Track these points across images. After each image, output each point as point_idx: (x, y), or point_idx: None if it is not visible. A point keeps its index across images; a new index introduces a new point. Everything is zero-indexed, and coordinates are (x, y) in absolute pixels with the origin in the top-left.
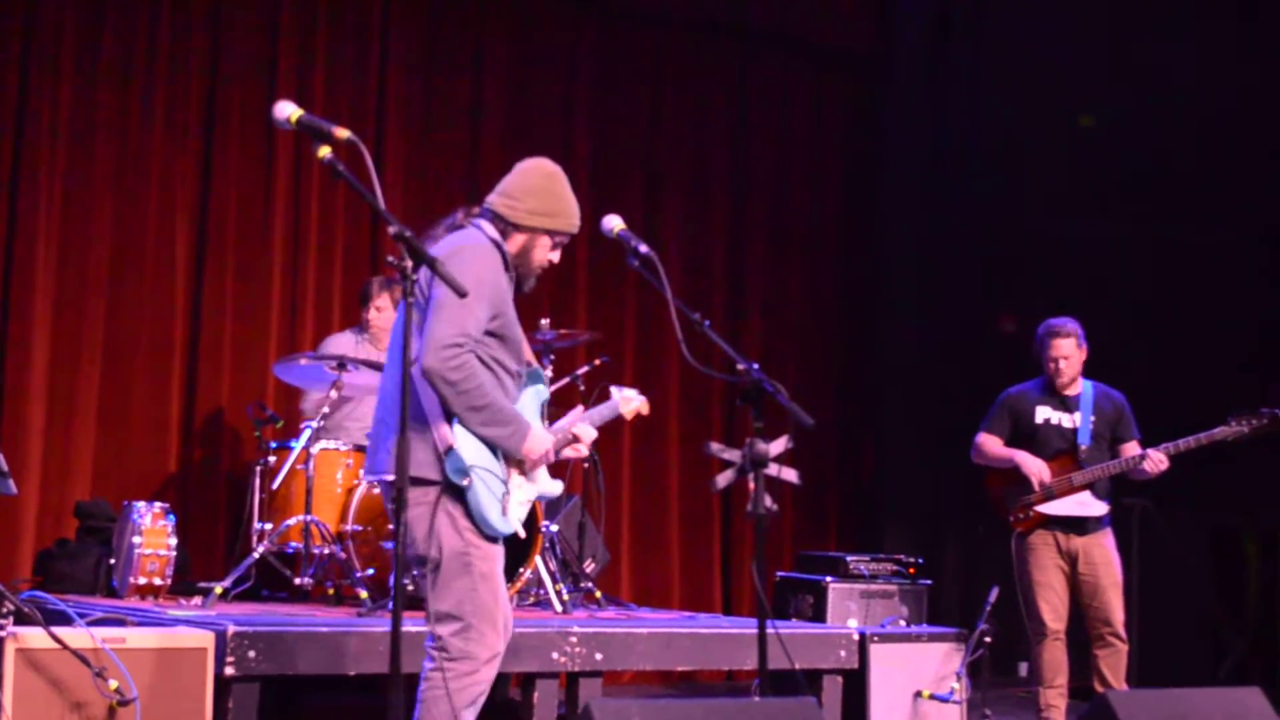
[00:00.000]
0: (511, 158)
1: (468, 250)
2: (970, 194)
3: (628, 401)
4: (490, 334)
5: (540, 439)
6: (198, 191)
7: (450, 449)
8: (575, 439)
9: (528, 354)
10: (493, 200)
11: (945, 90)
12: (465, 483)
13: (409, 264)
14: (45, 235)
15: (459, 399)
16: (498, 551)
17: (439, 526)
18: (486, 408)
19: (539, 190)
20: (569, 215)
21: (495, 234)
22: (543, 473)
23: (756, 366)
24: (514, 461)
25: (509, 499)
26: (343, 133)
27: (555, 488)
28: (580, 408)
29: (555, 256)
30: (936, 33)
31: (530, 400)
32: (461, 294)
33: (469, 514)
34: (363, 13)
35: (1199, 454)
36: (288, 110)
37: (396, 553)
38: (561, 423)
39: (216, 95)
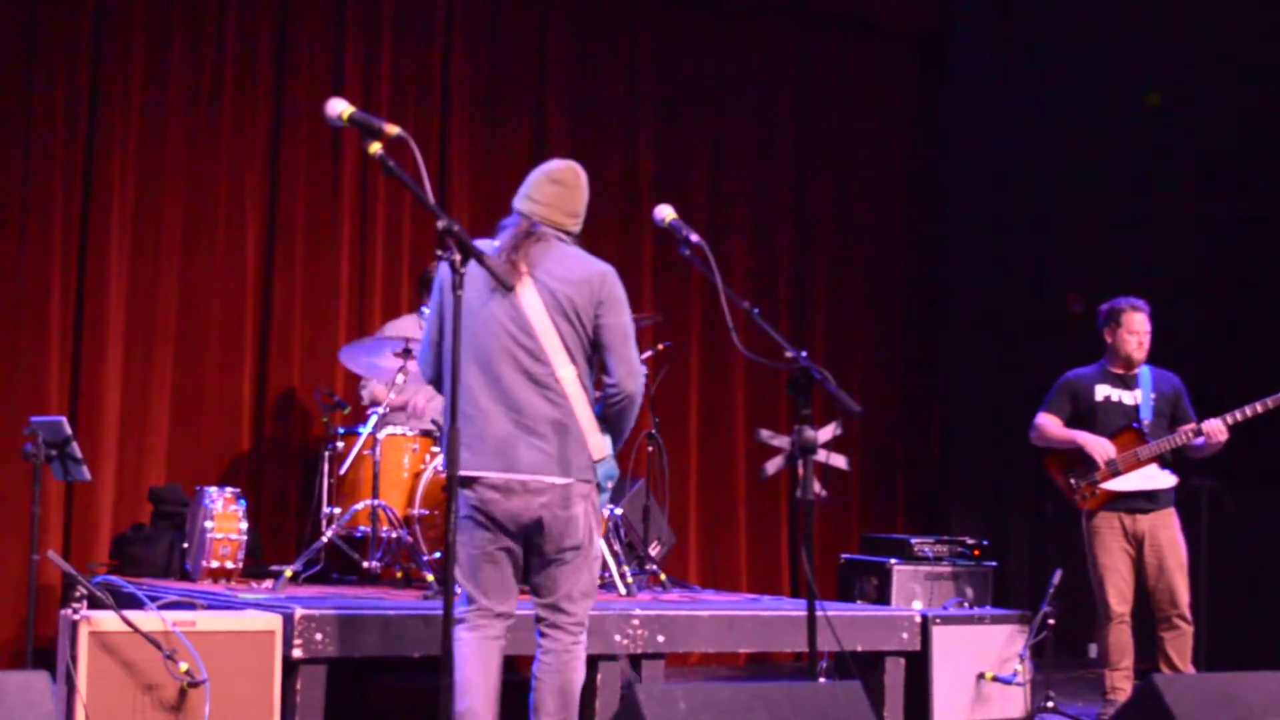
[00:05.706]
0: (577, 144)
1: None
2: (1037, 174)
3: None
4: None
5: None
6: (267, 180)
7: (604, 458)
8: None
9: None
10: None
11: (1010, 67)
12: (610, 487)
13: (458, 257)
14: (119, 228)
15: (634, 420)
16: None
17: (591, 521)
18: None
19: None
20: None
21: None
22: None
23: (805, 354)
24: None
25: None
26: (393, 129)
27: None
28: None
29: None
30: (1000, 9)
31: None
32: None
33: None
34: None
35: (1264, 427)
36: (339, 107)
37: (448, 540)
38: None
39: (284, 84)
